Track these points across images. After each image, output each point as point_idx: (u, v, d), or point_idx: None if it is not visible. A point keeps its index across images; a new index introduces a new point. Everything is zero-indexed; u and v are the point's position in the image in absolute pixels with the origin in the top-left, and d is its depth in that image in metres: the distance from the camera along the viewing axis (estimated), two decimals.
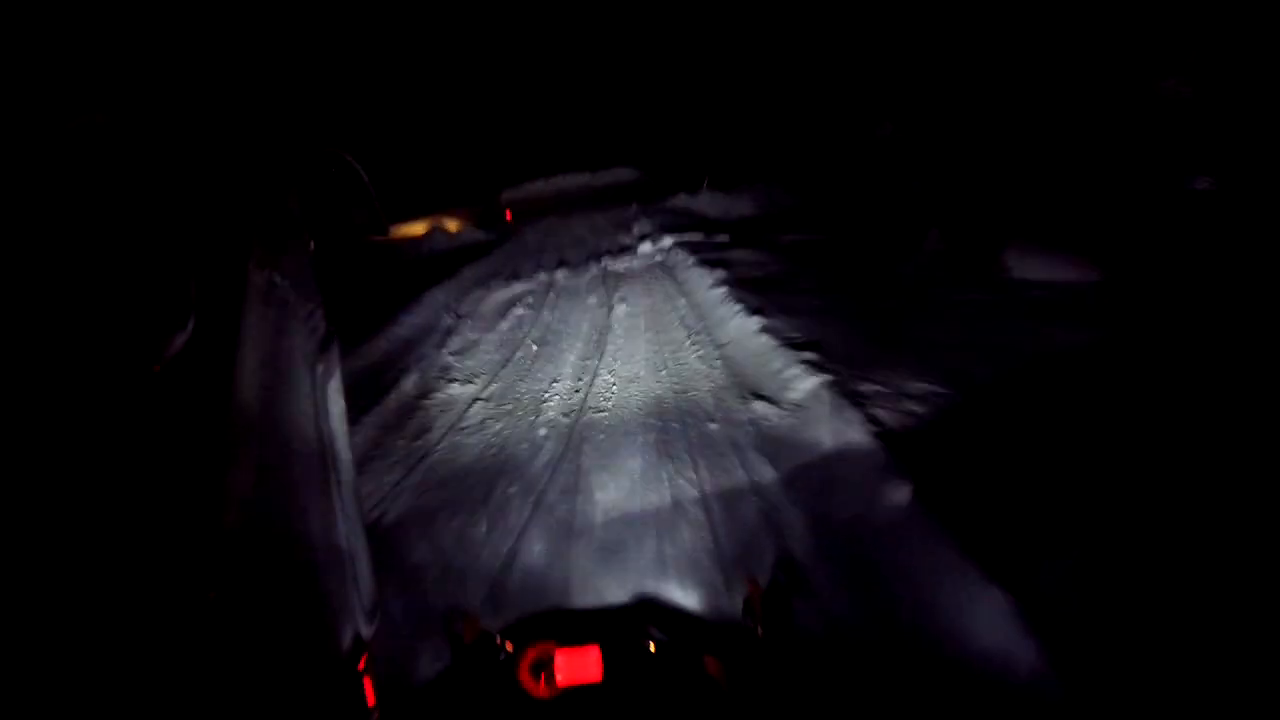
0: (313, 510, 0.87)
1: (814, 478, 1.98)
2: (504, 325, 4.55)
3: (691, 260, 5.08)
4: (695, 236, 6.11)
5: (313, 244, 1.40)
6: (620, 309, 4.48)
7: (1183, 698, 1.13)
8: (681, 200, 10.42)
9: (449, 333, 4.43)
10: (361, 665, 0.81)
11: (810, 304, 3.69)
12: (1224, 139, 4.14)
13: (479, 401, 3.25)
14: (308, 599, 0.78)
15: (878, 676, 1.30)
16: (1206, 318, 2.58)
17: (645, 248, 6.23)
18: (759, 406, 2.63)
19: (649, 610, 1.33)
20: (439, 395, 3.37)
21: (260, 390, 0.76)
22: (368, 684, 0.80)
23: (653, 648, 0.78)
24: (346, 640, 0.83)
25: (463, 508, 2.23)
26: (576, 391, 3.22)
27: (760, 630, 0.97)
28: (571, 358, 3.73)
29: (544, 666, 0.74)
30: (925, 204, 5.11)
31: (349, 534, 0.97)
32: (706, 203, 10.12)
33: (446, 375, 3.66)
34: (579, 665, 0.72)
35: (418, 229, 11.32)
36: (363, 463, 2.59)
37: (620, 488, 2.22)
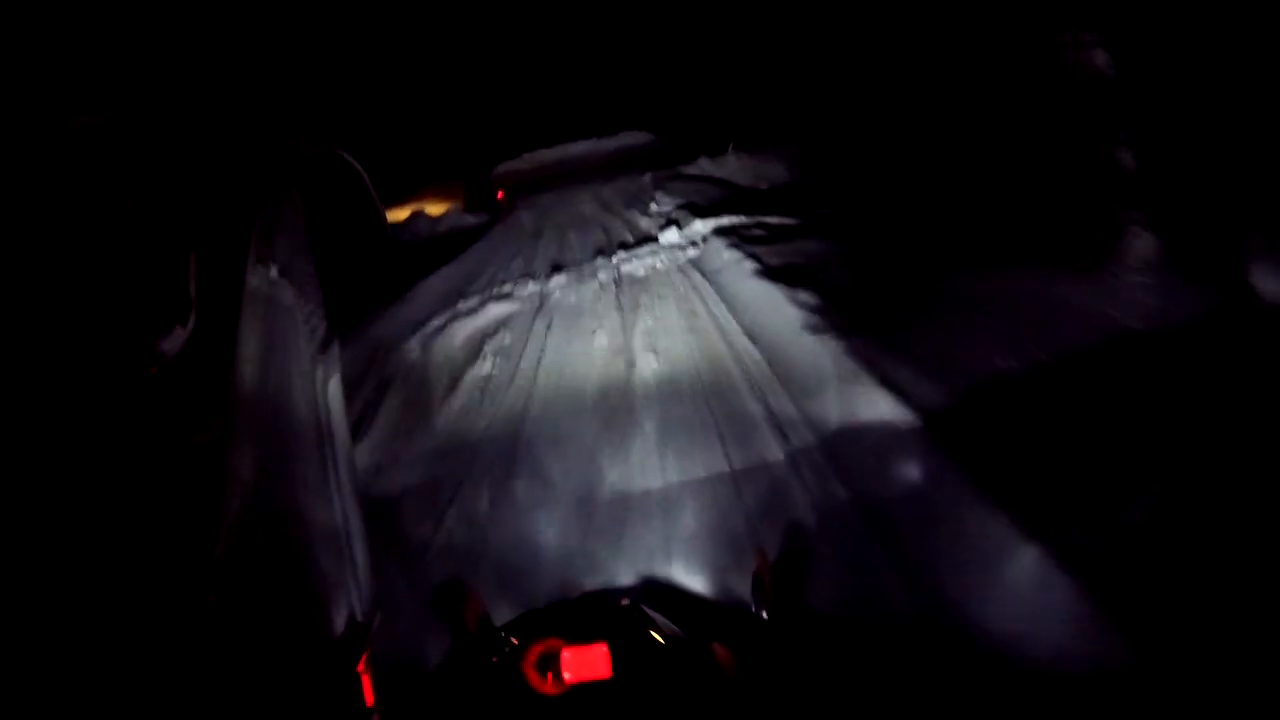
0: (313, 515, 0.88)
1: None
2: (453, 406, 2.79)
3: (748, 264, 3.48)
4: (736, 219, 4.47)
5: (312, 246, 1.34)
6: (647, 363, 2.86)
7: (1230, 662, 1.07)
8: (703, 166, 8.91)
9: (359, 422, 2.60)
10: (361, 665, 0.80)
11: (969, 353, 2.09)
12: None
13: None
14: (306, 603, 0.79)
15: (893, 655, 1.27)
16: None
17: (670, 236, 4.63)
18: None
19: (654, 596, 1.30)
20: None
21: (260, 391, 0.76)
22: (366, 683, 0.79)
23: (661, 640, 0.80)
24: (345, 640, 0.83)
25: None
26: None
27: (768, 612, 0.97)
28: (560, 515, 1.96)
29: (550, 663, 0.74)
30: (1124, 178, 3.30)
31: (350, 535, 0.98)
32: (733, 168, 8.75)
33: None
34: (587, 662, 0.72)
35: (399, 214, 9.95)
36: None
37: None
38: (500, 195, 9.71)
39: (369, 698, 0.78)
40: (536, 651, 0.74)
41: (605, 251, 4.74)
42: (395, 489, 2.11)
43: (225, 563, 0.59)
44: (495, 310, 3.78)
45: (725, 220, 4.53)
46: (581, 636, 0.74)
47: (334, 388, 1.15)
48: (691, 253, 4.21)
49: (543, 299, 3.93)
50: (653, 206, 6.91)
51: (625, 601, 0.94)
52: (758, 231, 4.21)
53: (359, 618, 0.88)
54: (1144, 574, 1.22)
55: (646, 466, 2.04)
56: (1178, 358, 1.87)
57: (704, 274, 3.90)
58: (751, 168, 8.43)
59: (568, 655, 0.72)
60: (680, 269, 4.09)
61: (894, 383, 1.94)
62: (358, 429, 2.49)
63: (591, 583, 1.64)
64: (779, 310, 2.78)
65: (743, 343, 2.82)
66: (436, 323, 3.64)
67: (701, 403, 2.36)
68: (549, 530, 1.85)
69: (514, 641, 0.78)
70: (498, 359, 3.17)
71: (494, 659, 0.79)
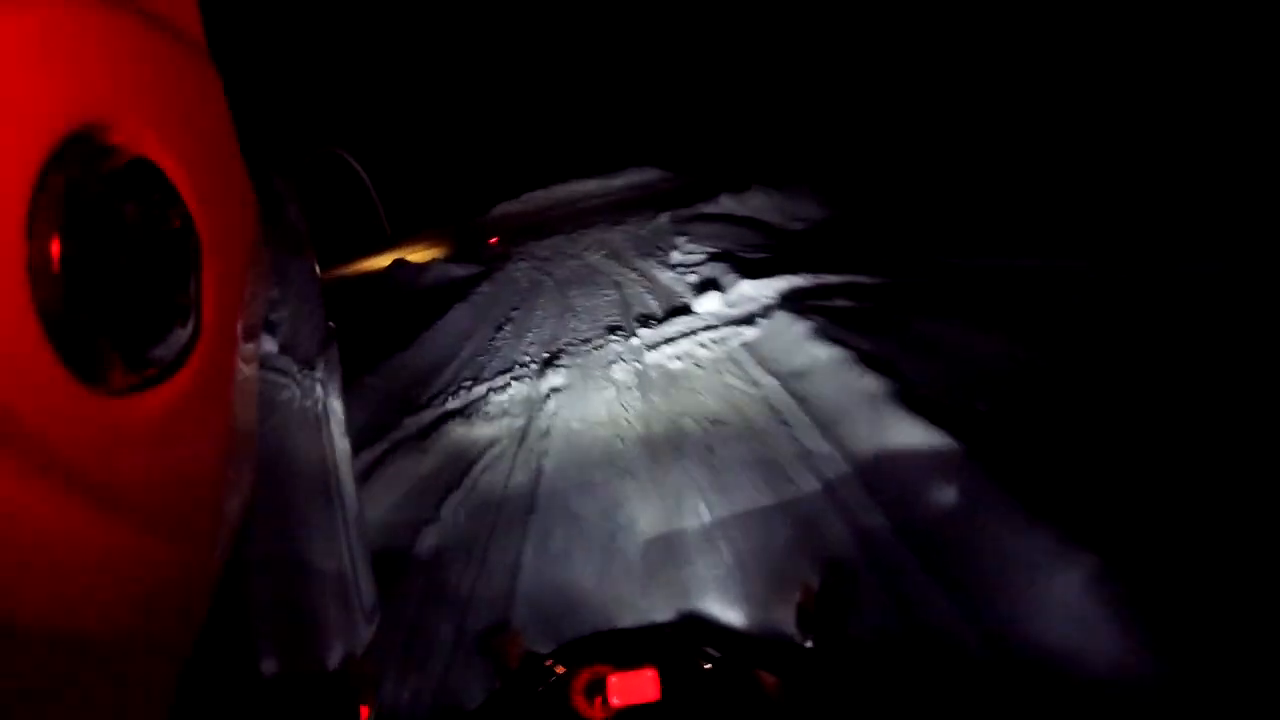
0: (314, 532, 0.85)
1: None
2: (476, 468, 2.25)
3: (822, 343, 2.19)
4: (799, 279, 3.19)
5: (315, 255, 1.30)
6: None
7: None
8: (725, 204, 7.74)
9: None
10: (365, 709, 0.79)
11: None
12: None
13: None
14: (304, 622, 0.76)
15: (942, 679, 1.25)
16: None
17: (711, 304, 3.35)
18: None
19: (698, 628, 1.30)
20: None
21: (259, 393, 0.70)
22: (364, 713, 0.79)
23: (707, 666, 0.79)
24: (342, 667, 0.81)
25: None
26: None
27: (812, 640, 0.97)
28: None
29: (598, 689, 0.74)
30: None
31: (352, 551, 0.95)
32: (759, 205, 7.64)
33: None
34: (635, 687, 0.72)
35: (380, 261, 8.81)
36: None
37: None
38: (494, 241, 8.56)
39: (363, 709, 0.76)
40: (584, 678, 0.75)
41: (621, 328, 3.45)
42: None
43: (221, 585, 0.53)
44: (472, 433, 2.46)
45: (786, 282, 3.26)
46: (628, 663, 0.74)
47: (334, 389, 1.09)
48: (748, 333, 2.91)
49: (528, 426, 2.60)
50: (674, 255, 5.68)
51: (670, 629, 0.94)
52: (836, 302, 2.92)
53: (359, 638, 0.87)
54: (1192, 585, 1.21)
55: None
56: (1221, 365, 1.84)
57: (764, 362, 2.61)
58: (779, 204, 7.30)
59: (615, 680, 0.72)
60: (733, 358, 2.78)
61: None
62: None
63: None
64: (812, 351, 2.52)
65: (770, 381, 2.55)
66: (357, 463, 2.32)
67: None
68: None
69: (559, 670, 0.79)
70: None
71: (539, 688, 0.79)
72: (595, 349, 3.20)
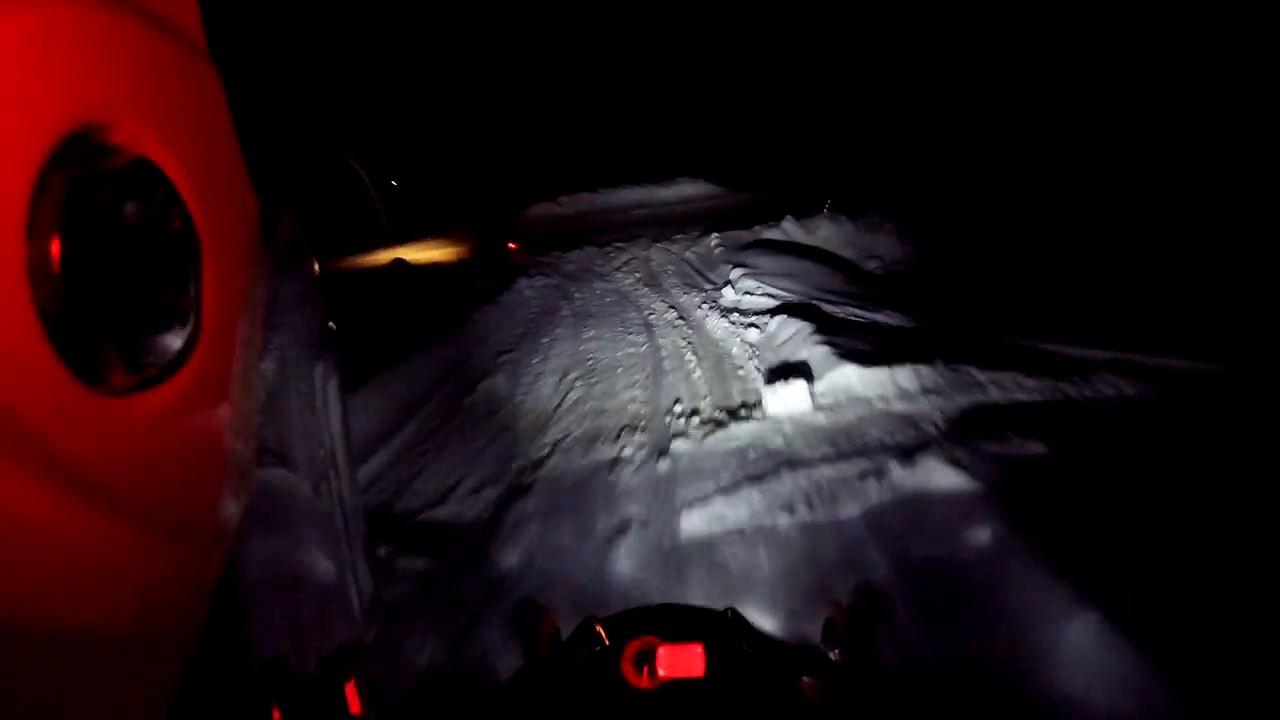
0: (314, 532, 0.85)
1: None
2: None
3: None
4: (998, 390, 1.89)
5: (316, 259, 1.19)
6: None
7: None
8: (789, 230, 6.42)
9: None
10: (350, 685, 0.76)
11: None
12: None
13: None
14: (304, 622, 0.76)
15: (955, 707, 1.28)
16: None
17: (794, 404, 2.05)
18: None
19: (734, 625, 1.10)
20: None
21: (259, 395, 0.70)
22: (351, 693, 0.75)
23: (750, 650, 0.82)
24: (342, 667, 0.80)
25: None
26: None
27: (839, 656, 0.97)
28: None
29: (647, 658, 0.74)
30: None
31: (352, 551, 0.96)
32: (828, 235, 6.18)
33: None
34: (682, 660, 0.73)
35: (376, 259, 7.76)
36: None
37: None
38: (513, 246, 7.39)
39: (354, 706, 0.74)
40: (634, 646, 0.77)
41: (642, 427, 2.17)
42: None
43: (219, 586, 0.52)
44: None
45: (911, 377, 1.94)
46: (676, 638, 0.76)
47: (334, 388, 1.05)
48: (846, 469, 1.62)
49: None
50: (727, 294, 4.40)
51: (722, 609, 0.92)
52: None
53: (358, 629, 0.89)
54: (1199, 638, 1.22)
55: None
56: (1233, 429, 1.88)
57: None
58: (850, 236, 6.00)
59: (664, 652, 0.73)
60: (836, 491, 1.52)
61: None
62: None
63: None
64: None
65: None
66: None
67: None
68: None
69: (606, 640, 0.81)
70: None
71: (586, 655, 0.80)
72: (594, 477, 1.95)
